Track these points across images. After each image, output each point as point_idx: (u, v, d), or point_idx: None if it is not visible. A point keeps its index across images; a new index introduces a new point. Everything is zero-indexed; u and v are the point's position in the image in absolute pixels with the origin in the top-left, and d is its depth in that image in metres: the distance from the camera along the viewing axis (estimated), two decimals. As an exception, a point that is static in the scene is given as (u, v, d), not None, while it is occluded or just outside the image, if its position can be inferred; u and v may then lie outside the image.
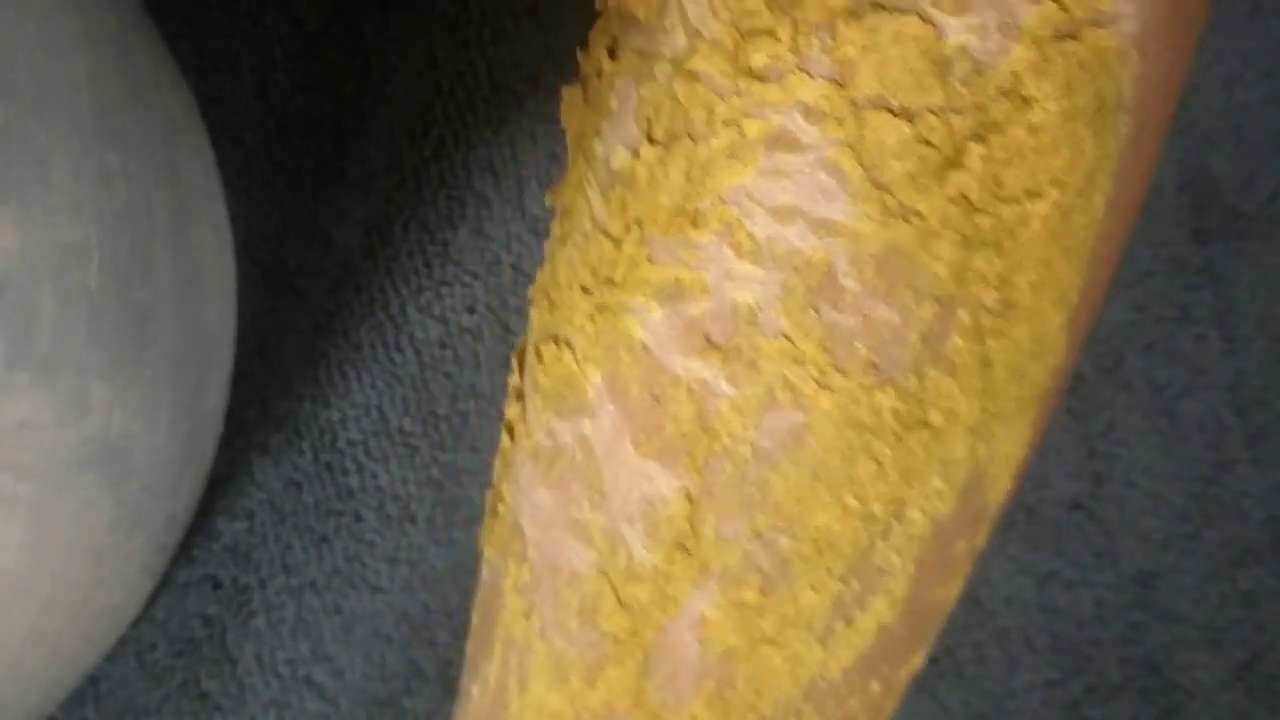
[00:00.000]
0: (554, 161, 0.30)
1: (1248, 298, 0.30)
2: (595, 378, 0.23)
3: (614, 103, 0.23)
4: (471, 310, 0.30)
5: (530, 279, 0.30)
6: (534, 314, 0.25)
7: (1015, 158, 0.21)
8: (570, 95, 0.25)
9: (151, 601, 0.29)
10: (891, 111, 0.21)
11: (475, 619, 0.25)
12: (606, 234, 0.23)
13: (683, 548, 0.22)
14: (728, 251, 0.21)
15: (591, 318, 0.23)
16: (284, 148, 0.30)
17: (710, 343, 0.22)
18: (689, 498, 0.22)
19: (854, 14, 0.21)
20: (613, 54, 0.23)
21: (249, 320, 0.28)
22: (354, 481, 0.30)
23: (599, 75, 0.24)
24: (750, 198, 0.21)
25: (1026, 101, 0.21)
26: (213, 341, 0.24)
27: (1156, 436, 0.30)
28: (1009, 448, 0.23)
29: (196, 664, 0.30)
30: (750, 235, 0.21)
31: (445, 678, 0.30)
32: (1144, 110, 0.22)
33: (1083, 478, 0.30)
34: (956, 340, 0.21)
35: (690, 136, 0.22)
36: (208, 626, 0.30)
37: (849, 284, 0.21)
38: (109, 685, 0.30)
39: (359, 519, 0.30)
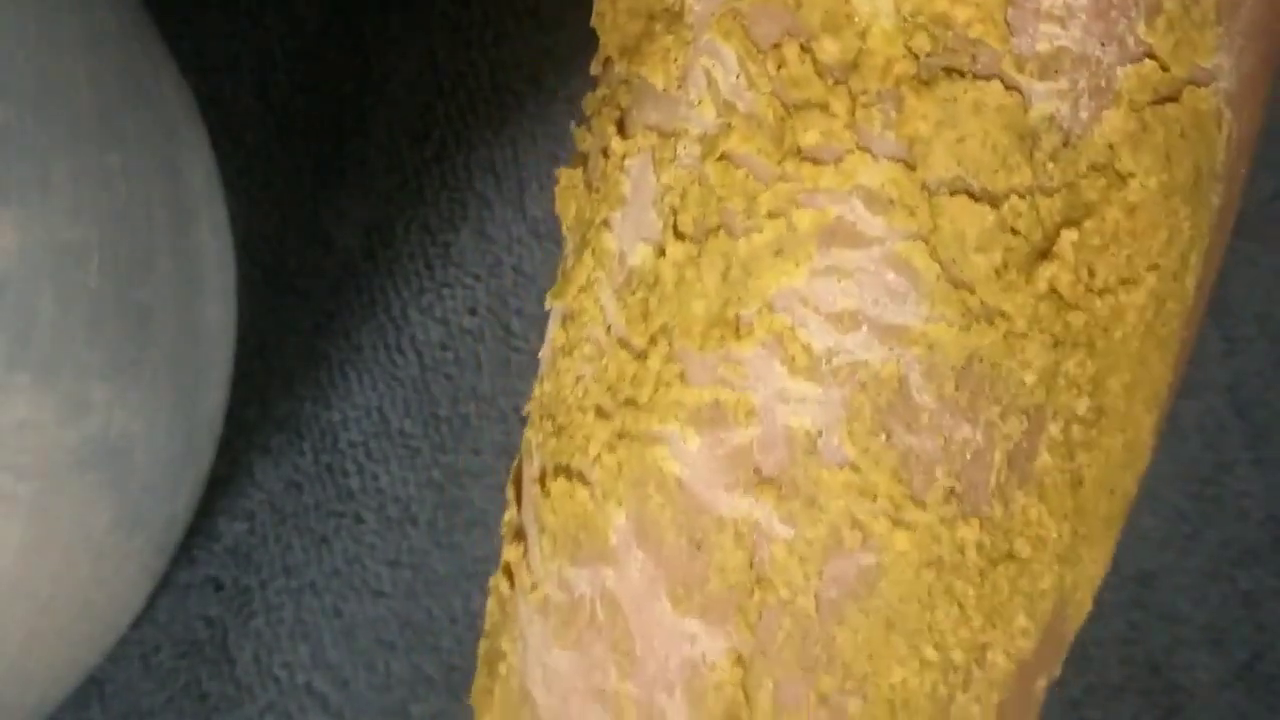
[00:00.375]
0: (556, 163, 0.30)
1: (1247, 297, 0.30)
2: (618, 519, 0.19)
3: (627, 188, 0.20)
4: (473, 312, 0.30)
5: (532, 281, 0.30)
6: (532, 435, 0.21)
7: (1111, 243, 0.18)
8: (568, 178, 0.21)
9: (154, 603, 0.29)
10: (971, 195, 0.18)
11: None
12: (626, 346, 0.19)
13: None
14: (778, 367, 0.18)
15: (611, 447, 0.19)
16: (284, 148, 0.30)
17: (761, 476, 0.19)
18: (740, 661, 0.19)
19: (924, 82, 0.18)
20: (622, 129, 0.20)
21: (249, 320, 0.28)
22: (354, 483, 0.30)
23: (605, 155, 0.20)
24: (804, 303, 0.18)
25: (1123, 177, 0.18)
26: (213, 341, 0.24)
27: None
28: (1094, 569, 0.20)
29: (199, 665, 0.30)
30: (805, 347, 0.18)
31: (451, 683, 0.30)
32: (1233, 176, 0.20)
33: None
34: (1045, 458, 0.19)
35: (727, 230, 0.19)
36: (210, 628, 0.30)
37: (925, 401, 0.18)
38: (114, 687, 0.30)
39: (359, 520, 0.30)
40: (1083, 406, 0.19)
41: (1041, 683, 0.21)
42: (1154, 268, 0.19)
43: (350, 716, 0.30)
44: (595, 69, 0.21)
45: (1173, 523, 0.30)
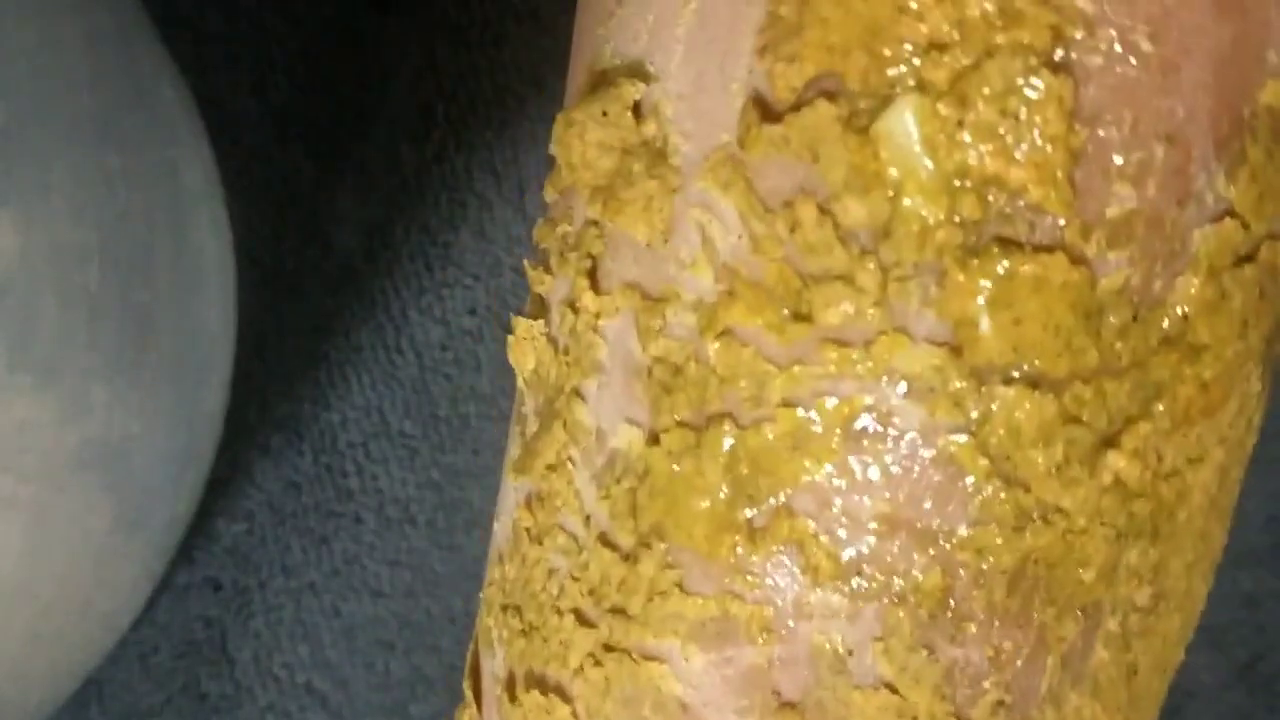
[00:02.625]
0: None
1: (1248, 298, 0.30)
2: None
3: (604, 355, 0.17)
4: (472, 312, 0.30)
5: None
6: (494, 627, 0.19)
7: (1182, 424, 0.16)
8: (526, 329, 0.18)
9: (153, 603, 0.29)
10: (1029, 383, 0.15)
11: None
12: (611, 545, 0.17)
13: None
14: (800, 577, 0.16)
15: (596, 660, 0.17)
16: (283, 148, 0.30)
17: (781, 700, 0.16)
18: None
19: (972, 253, 0.15)
20: (595, 283, 0.17)
21: (249, 321, 0.28)
22: (354, 483, 0.30)
23: (573, 309, 0.17)
24: (828, 505, 0.16)
25: (1196, 350, 0.16)
26: (213, 343, 0.24)
27: (1157, 437, 0.30)
28: None
29: (198, 665, 0.30)
30: (831, 555, 0.16)
31: (450, 683, 0.29)
32: None
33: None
34: (1101, 654, 0.17)
35: (733, 418, 0.16)
36: (209, 629, 0.30)
37: (973, 610, 0.16)
38: (113, 688, 0.30)
39: (359, 521, 0.30)
40: (1144, 596, 0.17)
41: None
42: (1223, 441, 0.17)
43: (350, 716, 0.29)
44: (550, 195, 0.18)
45: (1173, 523, 0.30)
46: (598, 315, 0.17)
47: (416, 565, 0.30)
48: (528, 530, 0.18)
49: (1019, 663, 0.16)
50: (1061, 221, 0.15)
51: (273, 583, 0.30)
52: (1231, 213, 0.16)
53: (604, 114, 0.17)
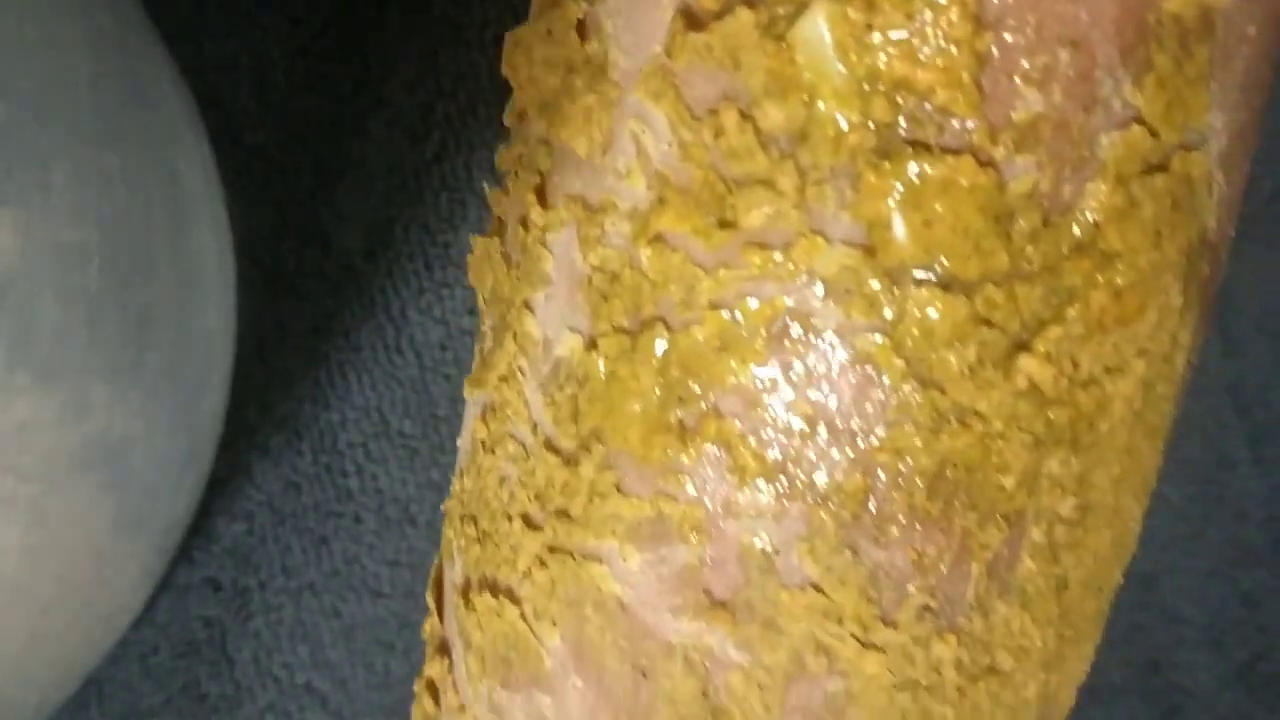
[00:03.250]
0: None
1: (1247, 298, 0.30)
2: (553, 640, 0.18)
3: (551, 267, 0.17)
4: (473, 312, 0.30)
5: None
6: (453, 537, 0.19)
7: (1096, 331, 0.16)
8: (483, 247, 0.19)
9: (152, 603, 0.29)
10: (941, 285, 0.16)
11: None
12: (555, 449, 0.17)
13: None
14: (728, 478, 0.16)
15: (542, 562, 0.18)
16: (283, 148, 0.30)
17: (712, 599, 0.17)
18: None
19: (884, 155, 0.15)
20: (542, 198, 0.18)
21: (249, 320, 0.28)
22: (353, 483, 0.30)
23: (524, 225, 0.18)
24: (754, 405, 0.16)
25: (1109, 258, 0.16)
26: (213, 343, 0.24)
27: (1157, 437, 0.30)
28: (1078, 667, 0.19)
29: (198, 666, 0.30)
30: (757, 455, 0.16)
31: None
32: (1222, 240, 0.18)
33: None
34: (1028, 564, 0.17)
35: (665, 322, 0.16)
36: (208, 629, 0.30)
37: (894, 513, 0.16)
38: (113, 688, 0.30)
39: (358, 521, 0.30)
40: (1067, 507, 0.17)
41: None
42: (1143, 352, 0.17)
43: (349, 716, 0.29)
44: (509, 120, 0.19)
45: (1173, 523, 0.30)
46: (544, 229, 0.18)
47: (416, 565, 0.30)
48: (483, 442, 0.19)
49: (943, 568, 0.16)
50: (969, 124, 0.15)
51: (272, 583, 0.30)
52: (1139, 120, 0.16)
53: (549, 32, 0.17)
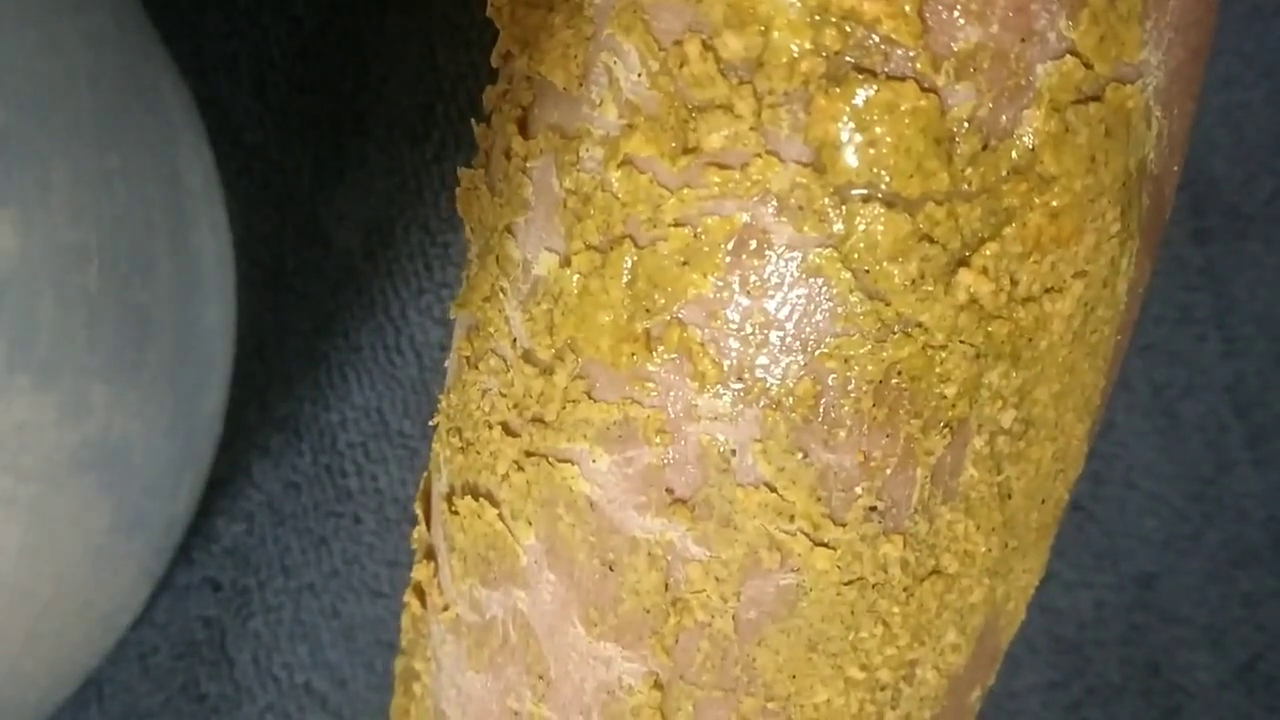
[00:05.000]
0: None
1: (1248, 298, 0.30)
2: (528, 539, 0.19)
3: (530, 193, 0.19)
4: (471, 311, 0.30)
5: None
6: (440, 450, 0.21)
7: (1034, 250, 0.17)
8: (469, 179, 0.20)
9: (152, 604, 0.29)
10: (885, 202, 0.17)
11: None
12: (532, 361, 0.19)
13: None
14: (689, 383, 0.18)
15: (519, 465, 0.19)
16: (283, 148, 0.30)
17: (674, 496, 0.18)
18: (658, 685, 0.19)
19: (833, 81, 0.16)
20: (524, 129, 0.19)
21: (249, 320, 0.28)
22: (353, 484, 0.30)
23: (507, 155, 0.19)
24: (714, 316, 0.17)
25: (1045, 181, 0.17)
26: (212, 343, 0.24)
27: (1156, 437, 0.30)
28: (1026, 579, 0.20)
29: (197, 666, 0.30)
30: (715, 362, 0.17)
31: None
32: (1165, 175, 0.19)
33: (1083, 478, 0.30)
34: (971, 472, 0.18)
35: (633, 239, 0.18)
36: (208, 629, 0.30)
37: (842, 417, 0.17)
38: (112, 688, 0.30)
39: (358, 521, 0.30)
40: (1008, 419, 0.18)
41: (976, 694, 0.20)
42: (1081, 274, 0.18)
43: (349, 716, 0.29)
44: (495, 60, 0.20)
45: (1173, 524, 0.30)
46: (525, 158, 0.19)
47: (416, 565, 0.30)
48: (467, 359, 0.20)
49: (888, 471, 0.18)
50: (912, 53, 0.17)
51: (272, 583, 0.30)
52: (1073, 51, 0.17)
53: None
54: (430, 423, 0.21)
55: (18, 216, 0.18)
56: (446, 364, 0.21)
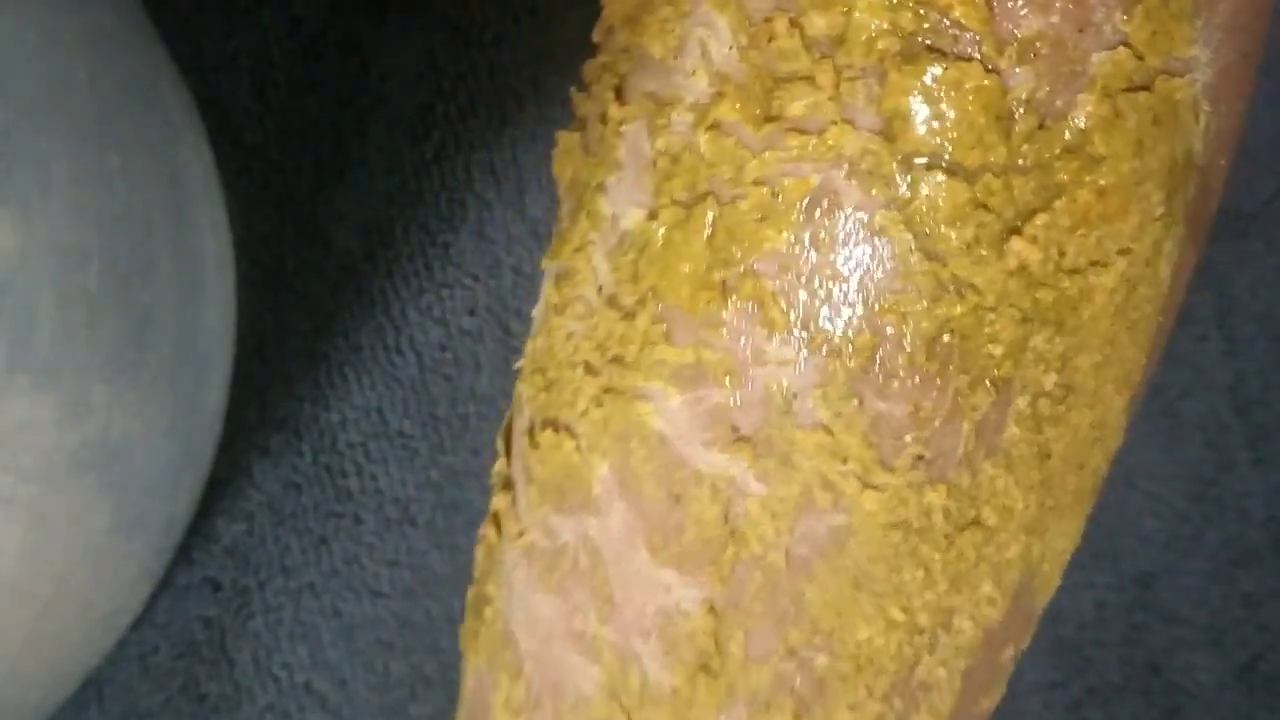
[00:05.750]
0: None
1: (1249, 298, 0.30)
2: (602, 470, 0.20)
3: (623, 154, 0.20)
4: (472, 313, 0.30)
5: (531, 281, 0.30)
6: (524, 389, 0.22)
7: (1081, 224, 0.19)
8: (567, 141, 0.22)
9: (152, 604, 0.29)
10: (947, 171, 0.18)
11: None
12: (615, 306, 0.20)
13: (706, 668, 0.20)
14: (759, 330, 0.19)
15: (598, 402, 0.20)
16: (282, 148, 0.30)
17: (738, 435, 0.19)
18: (713, 611, 0.19)
19: (907, 59, 0.18)
20: (620, 96, 0.21)
21: (249, 320, 0.28)
22: (353, 484, 0.30)
23: (603, 120, 0.21)
24: (785, 268, 0.19)
25: (1095, 161, 0.18)
26: (212, 343, 0.24)
27: (1157, 437, 0.30)
28: (1062, 543, 0.21)
29: (197, 666, 0.30)
30: (784, 312, 0.19)
31: (450, 683, 0.29)
32: (1211, 168, 0.20)
33: (1083, 478, 0.30)
34: (1013, 430, 0.19)
35: (715, 197, 0.19)
36: (208, 629, 0.30)
37: (896, 368, 0.19)
38: (112, 688, 0.30)
39: (358, 521, 0.30)
40: (1050, 382, 0.19)
41: (1009, 653, 0.21)
42: (1125, 251, 0.19)
43: (349, 716, 0.29)
44: (598, 36, 0.22)
45: (1174, 524, 0.30)
46: (621, 122, 0.21)
47: (416, 565, 0.30)
48: (555, 305, 0.21)
49: (936, 422, 0.19)
50: (979, 37, 0.18)
51: (272, 583, 0.30)
52: (1126, 43, 0.19)
53: None
54: (514, 366, 0.22)
55: (18, 216, 0.18)
56: (533, 313, 0.22)
